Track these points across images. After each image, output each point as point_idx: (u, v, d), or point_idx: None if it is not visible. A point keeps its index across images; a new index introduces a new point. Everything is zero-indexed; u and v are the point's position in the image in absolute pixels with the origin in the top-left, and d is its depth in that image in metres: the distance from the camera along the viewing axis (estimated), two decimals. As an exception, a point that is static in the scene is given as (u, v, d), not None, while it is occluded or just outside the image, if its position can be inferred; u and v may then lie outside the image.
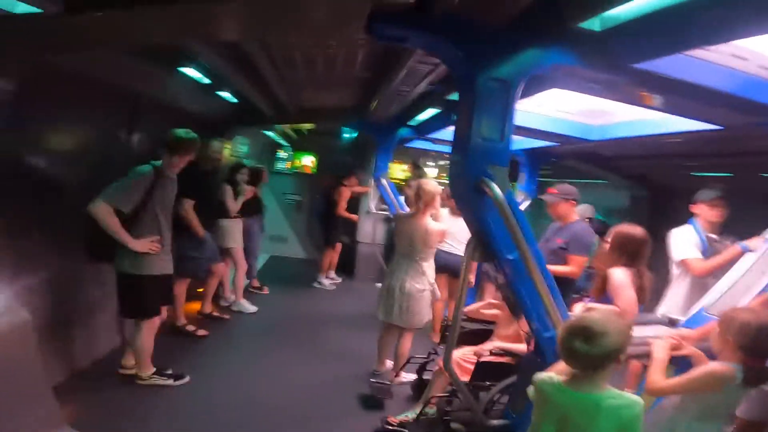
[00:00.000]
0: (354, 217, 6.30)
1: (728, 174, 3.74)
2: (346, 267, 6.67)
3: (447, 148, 4.99)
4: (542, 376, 1.58)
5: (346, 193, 6.04)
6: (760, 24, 1.46)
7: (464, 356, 2.78)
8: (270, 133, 6.90)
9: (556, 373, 1.57)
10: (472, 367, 2.66)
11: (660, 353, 1.85)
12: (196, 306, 4.41)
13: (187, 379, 3.13)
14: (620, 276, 2.33)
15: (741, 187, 3.43)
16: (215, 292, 4.57)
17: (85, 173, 3.00)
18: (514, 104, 1.85)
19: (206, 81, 3.64)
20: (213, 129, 4.58)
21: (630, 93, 2.27)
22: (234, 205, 4.57)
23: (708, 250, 2.92)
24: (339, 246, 6.24)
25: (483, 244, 1.96)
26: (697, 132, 2.67)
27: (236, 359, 3.70)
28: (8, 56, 1.93)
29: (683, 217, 3.12)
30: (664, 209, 4.30)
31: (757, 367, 1.66)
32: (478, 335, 3.10)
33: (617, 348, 1.45)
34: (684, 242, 2.96)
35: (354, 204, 6.40)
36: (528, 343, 2.51)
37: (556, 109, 3.34)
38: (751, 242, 2.51)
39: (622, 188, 5.18)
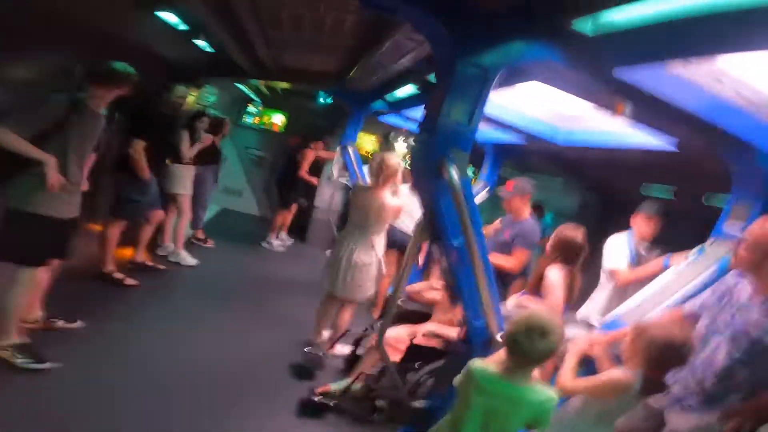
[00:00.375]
0: (314, 180, 6.17)
1: (675, 190, 3.88)
2: (299, 230, 6.56)
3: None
4: (479, 364, 1.62)
5: (310, 156, 5.88)
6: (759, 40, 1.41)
7: (398, 336, 2.80)
8: (242, 87, 6.63)
9: (491, 363, 1.62)
10: (404, 347, 2.68)
11: (572, 353, 1.93)
12: (128, 253, 4.10)
13: (58, 364, 2.47)
14: (555, 276, 2.41)
15: (686, 206, 3.57)
16: (153, 240, 4.32)
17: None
18: (489, 92, 1.82)
19: (182, 27, 3.40)
20: (182, 75, 4.34)
21: (603, 99, 2.28)
22: (188, 152, 4.36)
23: (636, 262, 3.02)
24: (294, 207, 6.10)
25: (432, 225, 1.96)
26: (655, 150, 2.74)
27: (166, 316, 3.46)
28: None
29: (626, 227, 3.22)
30: (611, 217, 4.46)
31: (655, 379, 1.72)
32: (417, 316, 3.14)
33: (559, 346, 1.54)
34: (615, 251, 3.05)
35: (317, 168, 6.26)
36: (459, 330, 2.56)
37: (526, 106, 3.33)
38: (674, 258, 2.63)
39: (577, 191, 5.34)
